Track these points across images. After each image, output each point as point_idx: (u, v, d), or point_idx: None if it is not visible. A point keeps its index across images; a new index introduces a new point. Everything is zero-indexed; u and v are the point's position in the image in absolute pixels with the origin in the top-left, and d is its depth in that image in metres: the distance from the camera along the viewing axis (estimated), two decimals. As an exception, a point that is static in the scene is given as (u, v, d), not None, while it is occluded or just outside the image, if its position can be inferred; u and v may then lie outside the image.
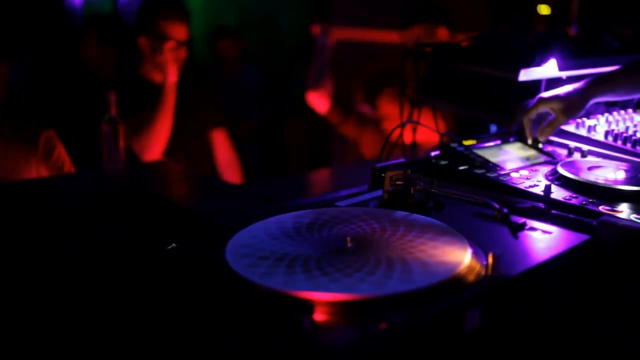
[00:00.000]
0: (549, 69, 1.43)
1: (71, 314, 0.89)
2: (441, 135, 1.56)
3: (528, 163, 1.28)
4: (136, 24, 2.57)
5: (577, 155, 1.34)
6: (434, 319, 0.72)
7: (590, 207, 1.02)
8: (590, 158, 1.32)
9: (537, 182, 1.15)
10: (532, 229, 0.95)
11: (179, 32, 2.51)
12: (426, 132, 1.64)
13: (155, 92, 2.57)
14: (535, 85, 1.46)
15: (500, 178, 1.15)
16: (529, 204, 1.03)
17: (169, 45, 2.46)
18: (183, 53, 2.51)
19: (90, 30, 3.17)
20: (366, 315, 0.70)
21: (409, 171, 1.06)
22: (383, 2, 3.70)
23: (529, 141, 1.37)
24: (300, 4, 5.40)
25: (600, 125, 1.47)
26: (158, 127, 2.39)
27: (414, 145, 1.65)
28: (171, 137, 2.46)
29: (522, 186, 1.12)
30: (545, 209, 1.02)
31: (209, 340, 0.71)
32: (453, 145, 1.28)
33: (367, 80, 2.89)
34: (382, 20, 3.68)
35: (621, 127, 1.47)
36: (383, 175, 1.07)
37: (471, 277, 0.78)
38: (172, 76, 2.43)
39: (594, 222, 0.96)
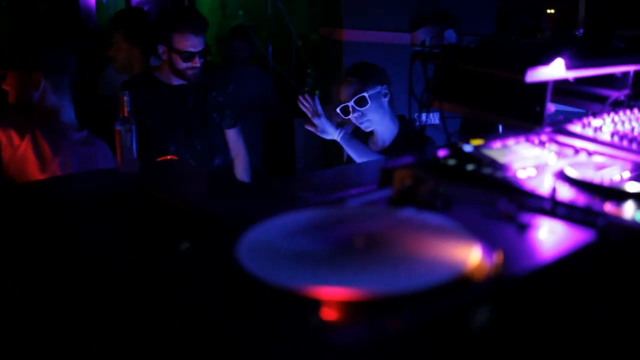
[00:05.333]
0: (557, 69, 1.44)
1: (79, 313, 0.90)
2: (448, 135, 1.57)
3: (535, 163, 1.29)
4: (155, 33, 2.70)
5: (583, 156, 1.36)
6: (441, 317, 0.73)
7: (596, 207, 1.03)
8: (596, 158, 1.33)
9: (543, 182, 1.16)
10: (539, 228, 0.97)
11: (193, 44, 2.60)
12: None
13: (170, 92, 2.65)
14: (542, 87, 1.46)
15: (508, 178, 1.16)
16: (535, 203, 1.05)
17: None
18: (197, 62, 2.62)
19: (118, 31, 3.13)
20: (375, 314, 0.71)
21: (418, 171, 1.08)
22: (392, 5, 3.71)
23: None
24: (310, 5, 5.40)
25: (606, 126, 1.48)
26: None
27: (423, 145, 1.66)
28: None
29: (528, 186, 1.13)
30: (552, 209, 1.03)
31: (218, 337, 0.72)
32: (461, 145, 1.29)
33: None
34: (391, 22, 3.70)
35: (627, 128, 1.48)
36: (392, 174, 1.08)
37: (479, 276, 0.80)
38: None
39: (600, 222, 0.97)
